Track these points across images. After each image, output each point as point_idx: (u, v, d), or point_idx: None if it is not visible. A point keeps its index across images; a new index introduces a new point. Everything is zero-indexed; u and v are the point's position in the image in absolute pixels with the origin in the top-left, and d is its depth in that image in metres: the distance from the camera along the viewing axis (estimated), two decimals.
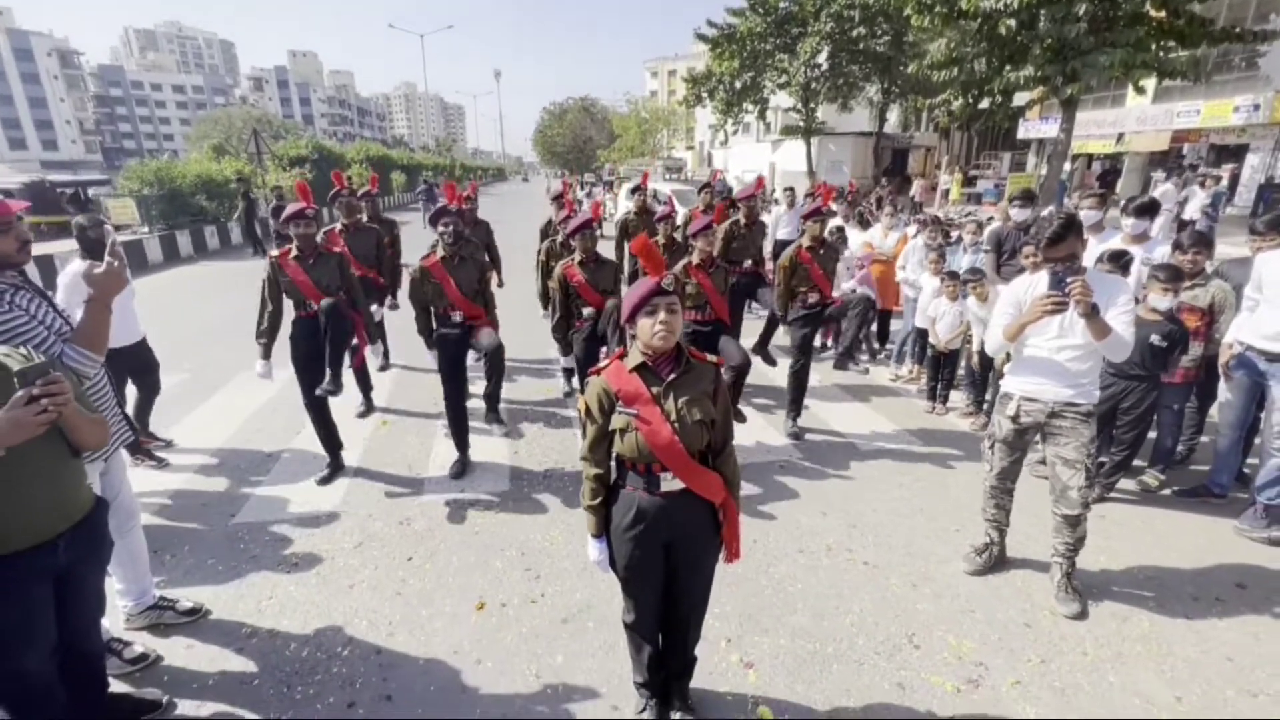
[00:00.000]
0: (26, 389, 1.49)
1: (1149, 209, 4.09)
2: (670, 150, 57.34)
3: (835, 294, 6.26)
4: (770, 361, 5.48)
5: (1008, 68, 14.78)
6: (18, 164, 64.43)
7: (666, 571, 1.96)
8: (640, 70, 75.23)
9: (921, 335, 5.70)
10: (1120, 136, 21.92)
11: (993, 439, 3.04)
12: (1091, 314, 2.49)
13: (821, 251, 4.60)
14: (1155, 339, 3.49)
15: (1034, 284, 2.83)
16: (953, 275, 5.00)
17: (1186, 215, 12.14)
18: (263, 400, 5.43)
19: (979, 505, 3.69)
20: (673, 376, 1.79)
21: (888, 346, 6.83)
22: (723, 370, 1.91)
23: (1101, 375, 4.00)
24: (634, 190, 7.57)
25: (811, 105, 26.22)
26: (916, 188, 23.71)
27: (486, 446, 4.51)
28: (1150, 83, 14.85)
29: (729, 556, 2.00)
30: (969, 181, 25.84)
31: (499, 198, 42.73)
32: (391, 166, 33.02)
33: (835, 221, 7.43)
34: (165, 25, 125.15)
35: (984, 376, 4.99)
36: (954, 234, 13.95)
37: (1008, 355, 3.95)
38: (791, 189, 9.37)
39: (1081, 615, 2.82)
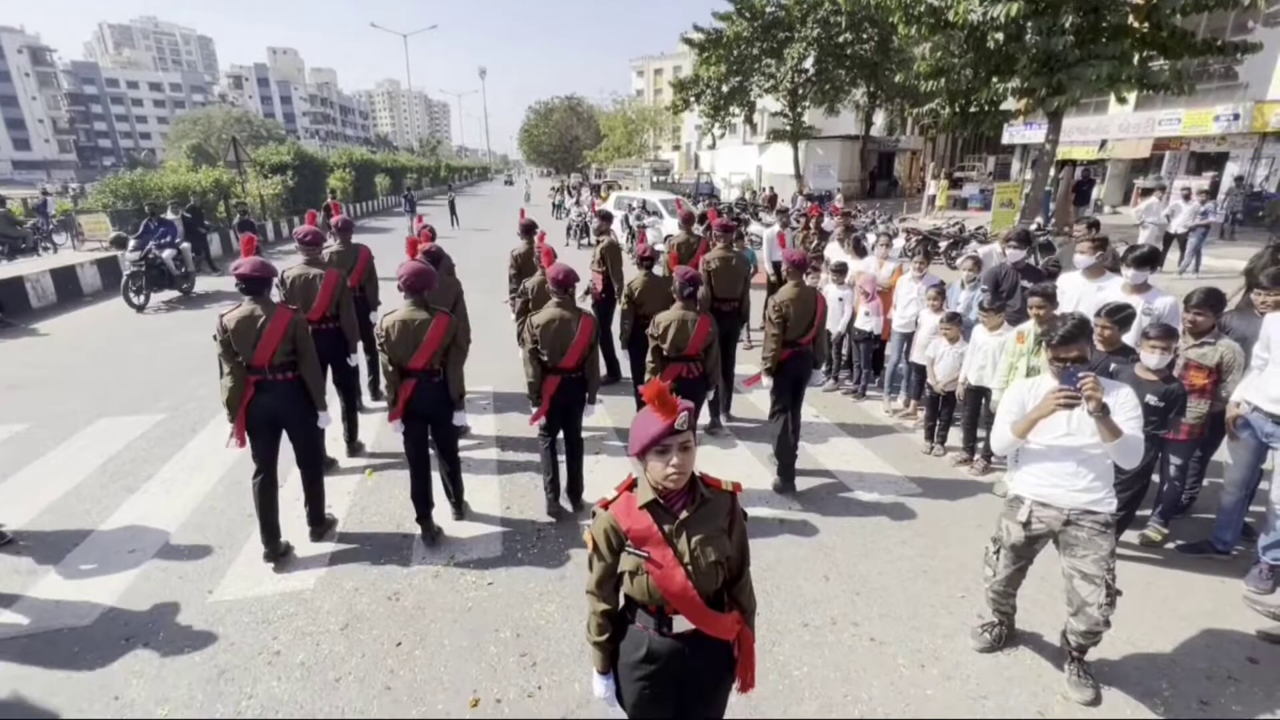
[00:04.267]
0: None
1: (1150, 259, 4.03)
2: (657, 151, 57.17)
3: (834, 324, 6.29)
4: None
5: (995, 79, 14.83)
6: None
7: (677, 706, 1.85)
8: (626, 69, 74.91)
9: (919, 371, 5.64)
10: (1103, 143, 22.13)
11: (999, 544, 2.89)
12: (1102, 413, 2.40)
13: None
14: (1152, 399, 3.42)
15: (1036, 385, 2.74)
16: (953, 318, 4.93)
17: (1173, 229, 12.21)
18: (247, 444, 5.22)
19: (978, 565, 3.63)
20: (685, 514, 1.67)
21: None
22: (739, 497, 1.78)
23: None
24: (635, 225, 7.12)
25: (798, 109, 26.20)
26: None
27: (477, 498, 4.37)
28: (1132, 92, 14.96)
29: (743, 687, 1.89)
30: (955, 185, 25.99)
31: (484, 199, 42.39)
32: (375, 170, 32.56)
33: (832, 253, 7.36)
34: (141, 21, 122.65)
35: (974, 415, 4.92)
36: (942, 245, 14.10)
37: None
38: (786, 210, 9.27)
39: (1095, 701, 2.74)
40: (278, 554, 3.67)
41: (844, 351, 6.79)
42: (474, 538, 3.96)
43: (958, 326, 4.91)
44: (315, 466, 3.87)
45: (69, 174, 64.96)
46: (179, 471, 4.80)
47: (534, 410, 4.07)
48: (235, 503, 4.34)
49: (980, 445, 4.94)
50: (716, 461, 5.04)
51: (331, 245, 5.71)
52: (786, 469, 4.55)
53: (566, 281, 3.92)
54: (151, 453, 5.12)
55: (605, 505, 1.74)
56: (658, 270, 5.61)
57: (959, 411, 5.12)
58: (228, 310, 3.53)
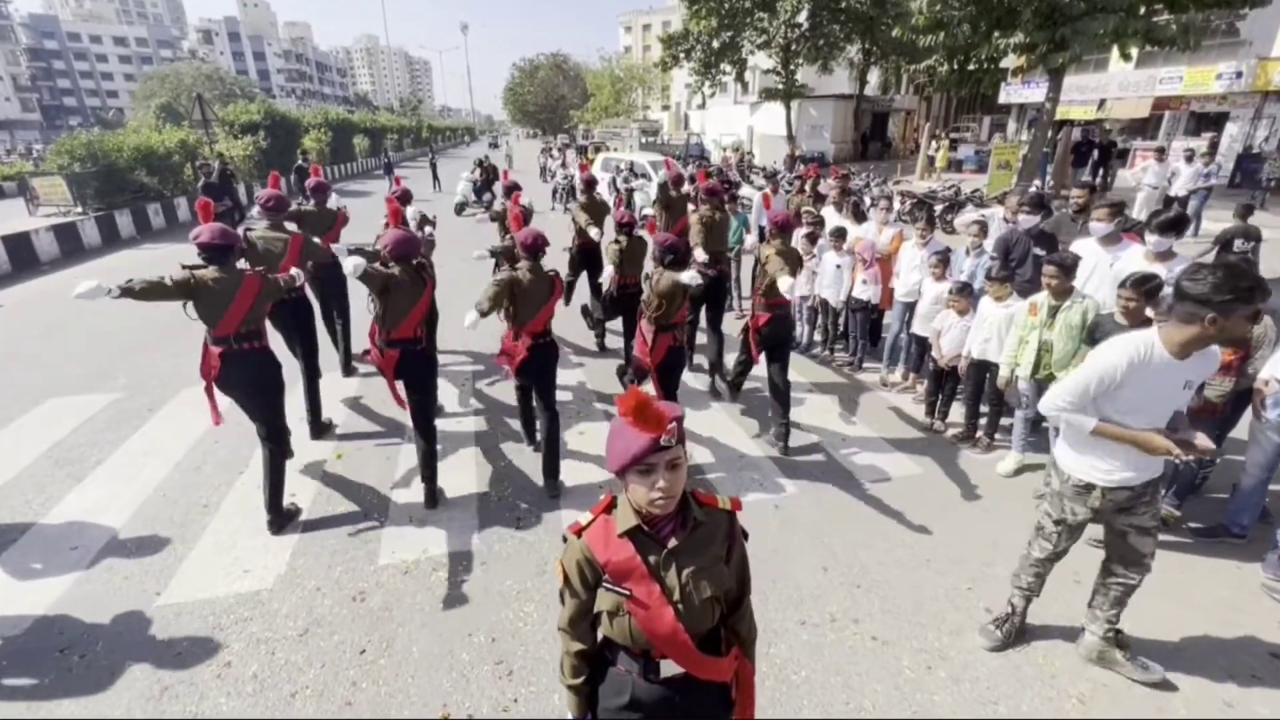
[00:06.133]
0: None
1: (1175, 224, 3.74)
2: (645, 111, 55.66)
3: (834, 293, 6.00)
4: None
5: (996, 33, 14.25)
6: None
7: None
8: (614, 25, 72.36)
9: (920, 343, 5.37)
10: (1102, 103, 21.60)
11: (1062, 524, 2.59)
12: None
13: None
14: None
15: (1146, 360, 2.18)
16: (964, 289, 4.62)
17: (1174, 192, 11.90)
18: (207, 424, 4.87)
19: (984, 553, 3.44)
20: (675, 542, 1.39)
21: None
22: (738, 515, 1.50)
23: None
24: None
25: (791, 67, 25.32)
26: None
27: (453, 482, 4.09)
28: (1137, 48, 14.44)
29: None
30: (950, 146, 25.39)
31: (467, 162, 41.02)
32: (353, 131, 31.34)
33: (829, 217, 7.00)
34: None
35: (977, 391, 4.67)
36: (938, 208, 13.74)
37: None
38: (776, 174, 8.83)
39: (1164, 684, 2.61)
40: (282, 526, 3.66)
41: (840, 321, 6.50)
42: (449, 526, 3.69)
43: (968, 299, 4.62)
44: (278, 443, 3.64)
45: (33, 134, 62.26)
46: (131, 457, 4.47)
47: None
48: (190, 492, 4.03)
49: (983, 422, 4.71)
50: (691, 423, 4.89)
51: (305, 206, 5.57)
52: (782, 430, 4.57)
53: (535, 245, 3.80)
54: (103, 436, 4.78)
55: (578, 531, 1.44)
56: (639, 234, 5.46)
57: (962, 386, 4.87)
58: (198, 272, 3.35)
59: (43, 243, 10.80)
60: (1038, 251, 4.76)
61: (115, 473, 4.27)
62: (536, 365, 3.87)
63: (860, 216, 6.49)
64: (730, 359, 5.72)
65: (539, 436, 4.08)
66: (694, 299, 5.21)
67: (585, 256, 6.55)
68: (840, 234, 5.91)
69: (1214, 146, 17.92)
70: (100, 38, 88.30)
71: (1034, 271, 4.77)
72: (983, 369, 4.50)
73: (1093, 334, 3.69)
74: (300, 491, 4.00)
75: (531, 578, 3.26)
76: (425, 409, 3.84)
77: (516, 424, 4.62)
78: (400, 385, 3.82)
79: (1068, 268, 3.74)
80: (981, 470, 4.37)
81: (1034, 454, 4.34)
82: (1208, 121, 19.55)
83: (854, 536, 3.64)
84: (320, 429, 4.80)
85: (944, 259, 5.09)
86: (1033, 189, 13.04)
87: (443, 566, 3.34)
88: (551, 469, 3.98)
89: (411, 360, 3.71)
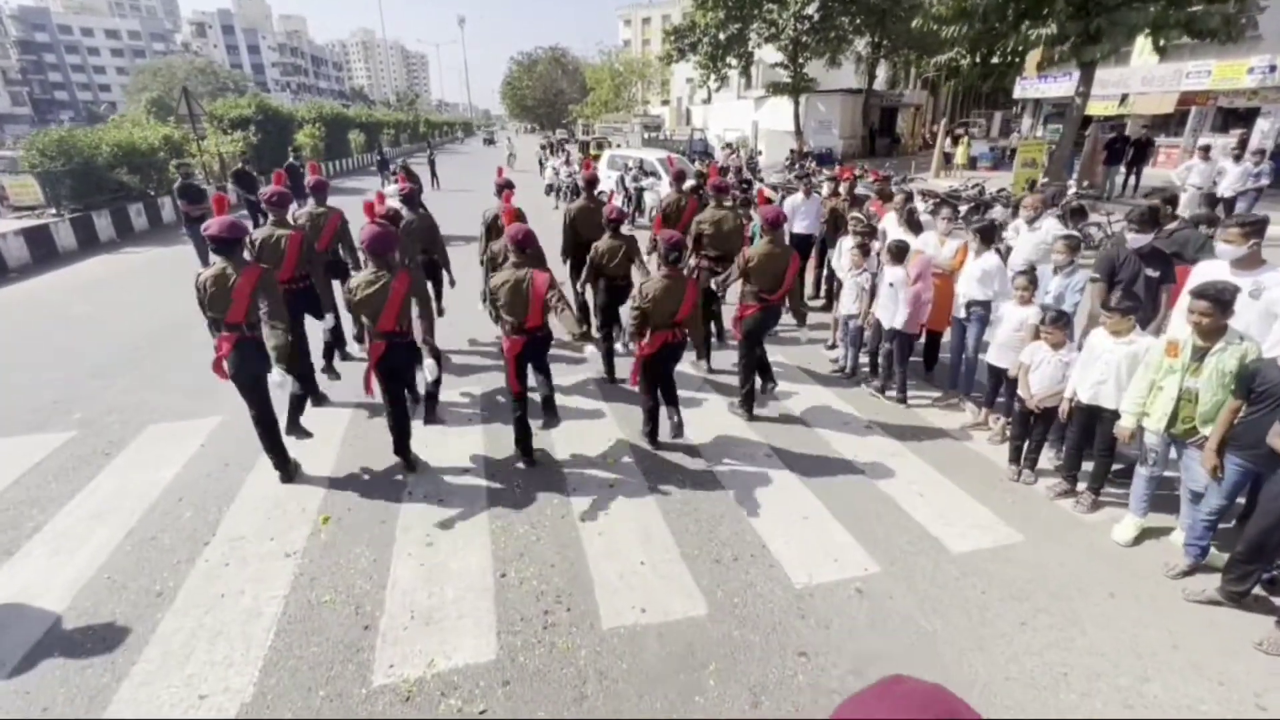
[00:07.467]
0: None
1: None
2: (646, 105, 54.76)
3: (890, 315, 5.28)
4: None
5: (1025, 24, 13.50)
6: None
7: None
8: (613, 19, 71.32)
9: (996, 374, 4.66)
10: (1124, 98, 20.85)
11: None
12: None
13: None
14: None
15: None
16: (1060, 318, 3.90)
17: (1221, 193, 11.19)
18: (172, 474, 4.19)
19: (1128, 660, 2.77)
20: None
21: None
22: None
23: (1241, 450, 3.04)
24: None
25: (800, 60, 24.53)
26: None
27: (461, 557, 3.39)
28: (1176, 40, 13.69)
29: None
30: (957, 141, 24.62)
31: (464, 158, 40.17)
32: (348, 125, 30.46)
33: (890, 228, 6.28)
34: None
35: (1081, 439, 3.96)
36: (962, 208, 13.04)
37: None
38: (808, 176, 8.11)
39: None
40: (290, 476, 4.09)
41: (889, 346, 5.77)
42: (459, 625, 2.97)
43: (1064, 329, 3.91)
44: (267, 424, 3.95)
45: (23, 128, 61.21)
46: (77, 521, 3.74)
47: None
48: (142, 573, 3.30)
49: (1084, 469, 4.00)
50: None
51: (307, 207, 5.65)
52: (747, 399, 4.99)
53: (526, 242, 3.94)
54: (48, 490, 4.05)
55: None
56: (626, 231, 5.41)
57: (1054, 431, 4.18)
58: (204, 271, 3.64)
59: (11, 248, 10.00)
60: (1149, 273, 4.06)
61: (55, 543, 3.53)
62: (529, 358, 4.19)
63: (915, 226, 5.77)
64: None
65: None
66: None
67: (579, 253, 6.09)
68: (900, 253, 5.14)
69: (1243, 143, 17.22)
70: (92, 30, 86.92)
71: (1145, 296, 4.08)
72: (1092, 415, 3.78)
73: (1249, 383, 3.00)
74: (277, 575, 3.28)
75: (569, 706, 2.55)
76: (398, 395, 4.08)
77: (533, 484, 4.09)
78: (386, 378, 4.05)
79: (1225, 303, 3.03)
80: (1093, 536, 3.67)
81: (1155, 515, 3.64)
82: (1236, 117, 18.82)
83: (963, 636, 2.94)
84: (318, 400, 5.11)
85: (1031, 279, 4.37)
86: (1070, 189, 12.36)
87: (454, 689, 2.63)
88: (549, 409, 4.31)
89: (395, 351, 3.92)
